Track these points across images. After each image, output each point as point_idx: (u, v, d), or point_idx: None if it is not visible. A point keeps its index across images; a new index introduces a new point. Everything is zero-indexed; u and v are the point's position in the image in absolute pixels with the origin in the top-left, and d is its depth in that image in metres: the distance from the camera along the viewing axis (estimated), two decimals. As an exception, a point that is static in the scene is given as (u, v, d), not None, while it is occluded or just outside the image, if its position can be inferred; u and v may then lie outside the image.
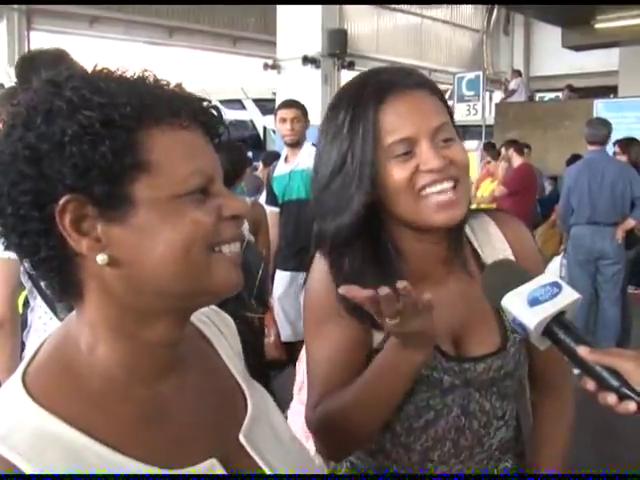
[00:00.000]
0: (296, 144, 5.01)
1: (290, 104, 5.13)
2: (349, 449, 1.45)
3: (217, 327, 1.12)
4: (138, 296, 0.88)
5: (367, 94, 1.34)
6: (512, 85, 17.54)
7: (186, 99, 0.91)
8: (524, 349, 1.46)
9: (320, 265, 1.44)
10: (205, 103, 0.94)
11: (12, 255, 2.31)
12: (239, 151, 4.57)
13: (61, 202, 0.82)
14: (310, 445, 1.51)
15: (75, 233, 0.84)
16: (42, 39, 13.53)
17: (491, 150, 11.10)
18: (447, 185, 1.32)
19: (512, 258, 1.46)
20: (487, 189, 9.30)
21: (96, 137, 0.82)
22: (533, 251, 1.55)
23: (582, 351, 1.05)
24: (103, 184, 0.83)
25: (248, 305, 3.61)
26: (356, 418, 1.34)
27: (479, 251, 1.49)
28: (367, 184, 1.33)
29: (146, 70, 0.92)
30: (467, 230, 1.49)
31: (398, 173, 1.32)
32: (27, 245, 0.86)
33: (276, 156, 6.73)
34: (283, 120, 4.99)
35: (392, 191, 1.33)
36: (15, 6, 14.00)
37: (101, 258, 0.85)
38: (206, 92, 13.42)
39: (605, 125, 6.66)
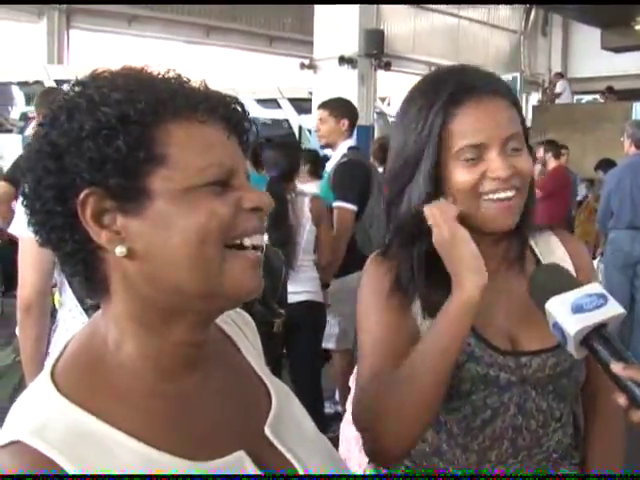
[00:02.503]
0: (326, 146, 4.87)
1: (321, 104, 4.96)
2: (399, 435, 1.33)
3: (238, 326, 1.14)
4: (158, 292, 0.89)
5: (446, 92, 1.37)
6: (558, 88, 17.23)
7: (206, 95, 0.93)
8: None
9: (373, 264, 1.49)
10: (228, 99, 0.95)
11: None
12: (294, 148, 4.64)
13: (81, 196, 0.86)
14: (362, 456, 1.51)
15: (96, 226, 0.87)
16: (81, 38, 13.66)
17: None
18: (509, 194, 1.35)
19: (572, 269, 1.48)
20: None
21: (112, 132, 0.85)
22: (591, 269, 1.57)
23: (615, 367, 1.05)
24: (119, 177, 0.85)
25: (273, 310, 3.62)
26: (409, 385, 1.30)
27: (540, 258, 1.52)
28: (427, 182, 1.38)
29: (171, 69, 0.94)
30: (531, 241, 1.53)
31: (464, 176, 1.35)
32: (55, 240, 0.89)
33: (313, 154, 6.63)
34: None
35: (455, 192, 1.37)
36: (55, 5, 14.14)
37: (119, 250, 0.87)
38: (236, 91, 13.44)
39: None
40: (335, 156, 4.79)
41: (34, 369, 2.45)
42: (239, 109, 0.96)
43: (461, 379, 1.38)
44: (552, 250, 1.53)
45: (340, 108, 4.83)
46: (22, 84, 13.17)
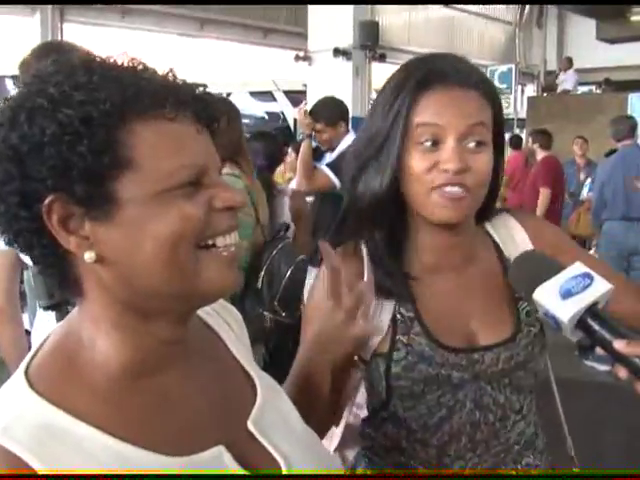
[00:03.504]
0: (329, 149, 4.89)
1: (313, 114, 4.90)
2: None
3: (223, 318, 1.12)
4: (133, 295, 0.87)
5: (415, 77, 1.37)
6: (568, 85, 16.95)
7: (173, 88, 0.89)
8: (540, 343, 1.47)
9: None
10: (197, 89, 0.92)
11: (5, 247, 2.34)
12: (274, 140, 4.61)
13: (46, 202, 0.82)
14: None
15: (63, 231, 0.84)
16: (75, 31, 13.61)
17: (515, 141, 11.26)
18: (457, 190, 1.33)
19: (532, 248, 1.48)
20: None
21: (74, 136, 0.81)
22: (558, 241, 1.55)
23: (619, 345, 1.04)
24: (83, 184, 0.82)
25: (268, 305, 3.59)
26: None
27: (500, 245, 1.52)
28: (393, 163, 1.37)
29: (135, 59, 0.90)
30: (488, 226, 1.53)
31: (418, 163, 1.35)
32: (22, 243, 0.87)
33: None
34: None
35: (409, 178, 1.36)
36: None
37: (88, 256, 0.84)
38: (230, 84, 13.33)
39: (627, 119, 6.71)
40: (339, 149, 4.78)
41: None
42: (208, 98, 0.92)
43: (413, 380, 1.38)
44: (511, 235, 1.53)
45: (333, 114, 4.83)
46: (16, 78, 13.13)
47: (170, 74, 0.91)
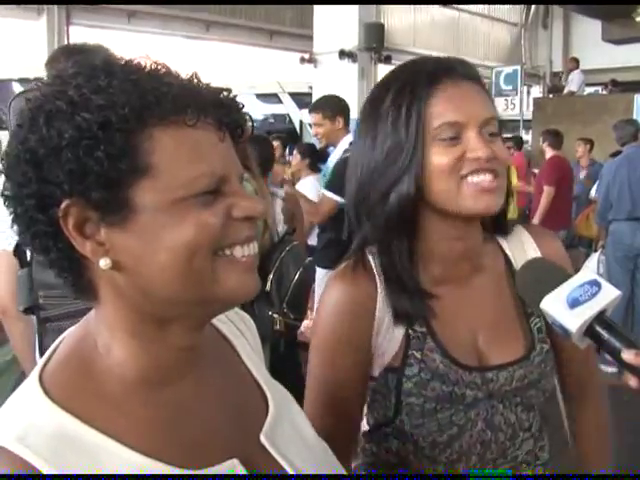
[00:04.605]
0: (327, 146, 4.93)
1: (312, 108, 4.97)
2: None
3: (236, 326, 1.10)
4: (148, 301, 0.86)
5: (421, 76, 1.32)
6: (573, 86, 16.89)
7: (195, 94, 0.86)
8: (551, 360, 1.44)
9: (336, 291, 1.40)
10: (221, 95, 0.89)
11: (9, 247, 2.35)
12: (266, 144, 4.62)
13: (62, 206, 0.81)
14: None
15: (79, 236, 0.83)
16: (81, 34, 13.65)
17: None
18: (489, 177, 1.29)
19: None
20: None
21: (92, 141, 0.79)
22: (566, 260, 1.50)
23: (628, 356, 1.03)
24: (100, 189, 0.80)
25: (278, 307, 3.58)
26: None
27: (511, 257, 1.47)
28: (416, 168, 1.30)
29: (158, 62, 0.88)
30: (499, 237, 1.48)
31: (441, 158, 1.29)
32: (38, 245, 0.86)
33: (313, 148, 6.68)
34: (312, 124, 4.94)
35: (432, 175, 1.30)
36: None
37: (104, 263, 0.83)
38: (236, 87, 13.31)
39: (630, 123, 6.73)
40: (337, 152, 4.81)
41: (31, 365, 2.45)
42: (232, 104, 0.89)
43: (426, 398, 1.34)
44: (524, 248, 1.48)
45: (332, 107, 4.84)
46: (23, 81, 13.14)
47: (194, 78, 0.88)
